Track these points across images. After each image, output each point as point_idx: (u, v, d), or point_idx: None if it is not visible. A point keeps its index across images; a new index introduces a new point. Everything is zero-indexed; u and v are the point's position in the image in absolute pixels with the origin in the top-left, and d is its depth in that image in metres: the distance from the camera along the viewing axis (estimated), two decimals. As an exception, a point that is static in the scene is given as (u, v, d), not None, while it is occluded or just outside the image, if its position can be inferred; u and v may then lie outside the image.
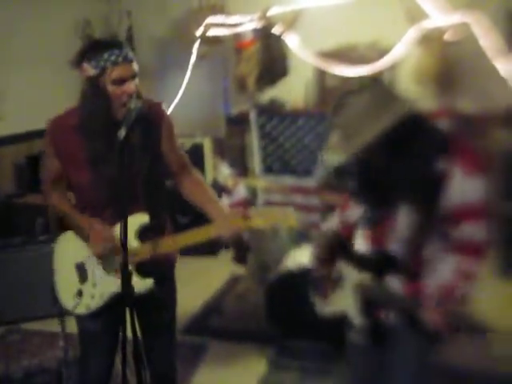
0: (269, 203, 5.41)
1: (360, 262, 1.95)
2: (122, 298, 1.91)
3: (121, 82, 1.92)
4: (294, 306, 3.32)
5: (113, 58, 1.90)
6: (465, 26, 4.41)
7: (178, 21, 5.61)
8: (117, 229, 1.98)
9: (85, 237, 2.10)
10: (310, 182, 4.90)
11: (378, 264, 1.87)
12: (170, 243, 2.09)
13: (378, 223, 1.87)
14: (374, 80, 1.75)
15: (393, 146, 1.66)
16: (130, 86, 1.94)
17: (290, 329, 3.41)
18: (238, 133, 5.61)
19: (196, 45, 5.35)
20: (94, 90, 1.95)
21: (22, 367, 3.42)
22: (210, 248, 5.10)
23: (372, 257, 1.91)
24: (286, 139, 5.32)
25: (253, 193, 5.23)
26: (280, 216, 1.99)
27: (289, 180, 5.32)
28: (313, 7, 4.93)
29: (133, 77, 1.96)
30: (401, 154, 1.67)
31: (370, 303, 1.90)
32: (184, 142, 5.19)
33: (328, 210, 4.21)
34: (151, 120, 2.08)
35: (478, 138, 4.58)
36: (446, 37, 4.51)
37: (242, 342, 3.65)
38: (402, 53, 4.71)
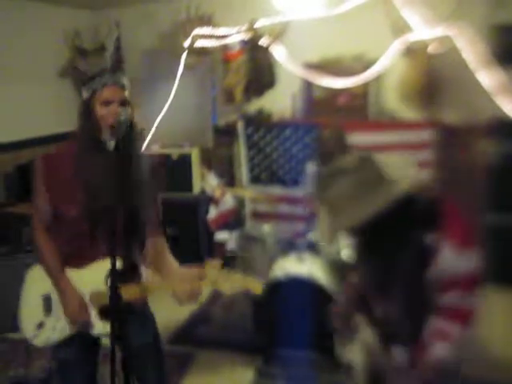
0: (256, 213, 5.44)
1: (376, 323, 1.98)
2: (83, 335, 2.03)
3: (108, 103, 1.96)
4: (281, 315, 3.34)
5: (103, 80, 1.98)
6: (448, 38, 4.50)
7: (166, 32, 5.64)
8: (91, 271, 2.04)
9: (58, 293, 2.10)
10: (297, 192, 4.94)
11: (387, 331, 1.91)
12: (133, 291, 2.05)
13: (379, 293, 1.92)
14: (365, 159, 1.73)
15: (381, 227, 1.67)
16: (116, 109, 1.96)
17: (276, 337, 3.43)
18: (226, 143, 5.64)
19: (184, 56, 5.40)
20: (84, 113, 2.01)
21: (9, 377, 3.40)
22: (197, 257, 5.12)
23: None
24: (273, 149, 5.36)
25: (240, 203, 5.26)
26: (245, 283, 1.96)
27: (276, 190, 5.35)
28: (299, 19, 5.00)
29: (122, 102, 1.98)
30: (389, 234, 1.71)
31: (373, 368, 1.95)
32: (172, 153, 5.22)
33: (315, 219, 4.25)
34: (151, 169, 2.15)
35: (462, 149, 4.66)
36: (430, 49, 4.58)
37: (228, 351, 3.66)
38: (387, 65, 4.79)
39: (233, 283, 1.96)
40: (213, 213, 4.83)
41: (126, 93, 2.02)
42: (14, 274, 3.87)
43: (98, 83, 1.98)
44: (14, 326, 3.83)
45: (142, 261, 2.18)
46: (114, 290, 1.78)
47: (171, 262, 2.18)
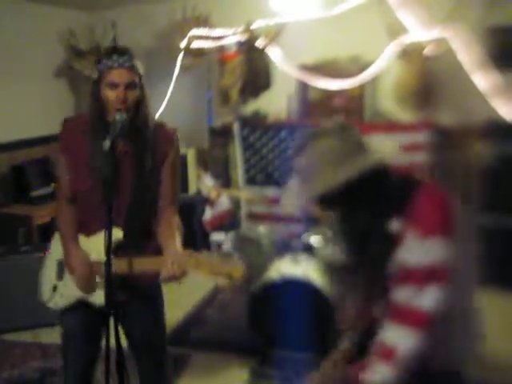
0: (252, 214, 5.44)
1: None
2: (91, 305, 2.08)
3: (113, 86, 1.96)
4: (277, 316, 3.35)
5: (109, 62, 1.96)
6: (444, 40, 4.52)
7: (162, 32, 5.65)
8: (97, 240, 2.05)
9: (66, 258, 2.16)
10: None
11: None
12: (124, 264, 2.05)
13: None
14: (347, 126, 1.66)
15: (351, 197, 1.60)
16: (122, 92, 1.96)
17: (272, 339, 3.43)
18: (222, 144, 5.64)
19: (180, 56, 5.40)
20: (93, 93, 2.03)
21: (3, 379, 3.39)
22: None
23: None
24: (268, 151, 5.36)
25: (236, 204, 5.26)
26: (229, 267, 1.95)
27: (271, 191, 5.36)
28: (295, 21, 5.00)
29: (128, 84, 1.98)
30: (357, 206, 1.63)
31: None
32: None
33: (311, 220, 4.26)
34: (158, 143, 2.12)
35: (457, 151, 4.67)
36: (426, 51, 4.60)
37: (224, 352, 3.66)
38: (383, 67, 4.80)
39: (213, 267, 1.95)
40: (208, 214, 4.84)
41: (134, 75, 2.00)
42: (9, 274, 3.90)
43: (104, 65, 1.97)
44: (11, 327, 3.88)
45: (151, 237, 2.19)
46: (107, 261, 1.84)
47: (174, 241, 2.11)
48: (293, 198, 2.04)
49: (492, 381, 3.06)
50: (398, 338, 1.56)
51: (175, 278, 1.96)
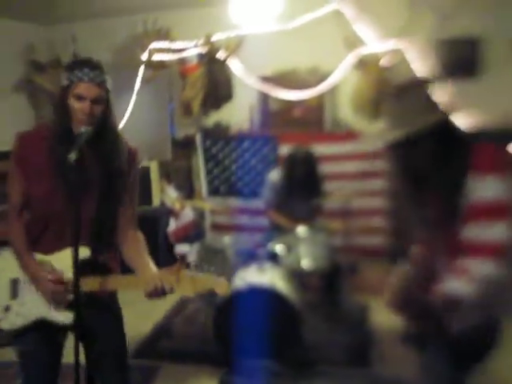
0: (216, 225, 5.48)
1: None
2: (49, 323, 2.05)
3: (80, 98, 1.98)
4: (242, 325, 3.38)
5: (80, 74, 1.97)
6: (399, 51, 4.67)
7: (122, 46, 5.65)
8: (58, 257, 2.06)
9: (29, 276, 2.11)
10: (256, 204, 5.01)
11: None
12: (96, 284, 2.04)
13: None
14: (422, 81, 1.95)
15: (435, 141, 1.82)
16: (87, 106, 1.98)
17: (238, 348, 3.46)
18: (184, 156, 5.67)
19: (141, 69, 5.41)
20: (60, 100, 2.03)
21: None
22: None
23: None
24: (231, 162, 5.42)
25: (200, 215, 5.29)
26: (209, 283, 1.96)
27: (235, 202, 5.41)
28: (255, 33, 5.09)
29: (95, 99, 2.00)
30: (438, 151, 1.82)
31: None
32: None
33: (274, 229, 4.33)
34: (122, 158, 2.13)
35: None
36: (382, 62, 4.74)
37: (192, 363, 3.67)
38: (341, 78, 4.92)
39: (196, 284, 1.96)
40: (173, 225, 4.86)
41: (102, 91, 2.02)
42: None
43: (75, 76, 1.98)
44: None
45: (116, 252, 2.19)
46: (75, 280, 1.82)
47: (146, 258, 2.12)
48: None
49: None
50: (477, 269, 1.69)
51: (163, 294, 1.98)
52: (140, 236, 2.23)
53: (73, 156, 1.82)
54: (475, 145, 1.80)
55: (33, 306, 2.11)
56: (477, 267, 1.69)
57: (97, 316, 2.16)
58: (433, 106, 1.86)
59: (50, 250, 2.09)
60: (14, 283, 2.16)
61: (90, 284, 1.99)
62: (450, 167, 1.80)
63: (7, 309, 2.14)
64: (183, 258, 4.58)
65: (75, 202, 1.86)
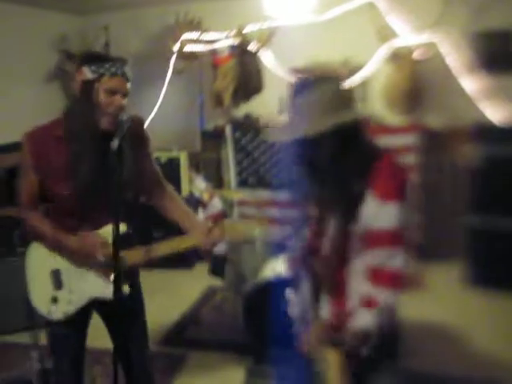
0: (244, 216, 5.48)
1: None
2: (96, 302, 2.13)
3: (112, 92, 1.99)
4: (271, 314, 3.38)
5: (113, 69, 1.98)
6: (433, 45, 4.61)
7: (154, 36, 5.69)
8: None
9: (68, 254, 2.13)
10: (285, 196, 4.99)
11: None
12: (139, 255, 2.10)
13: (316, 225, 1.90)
14: (332, 77, 1.77)
15: (336, 144, 1.66)
16: (120, 100, 2.01)
17: (267, 337, 3.47)
18: (214, 147, 5.69)
19: (172, 60, 5.44)
20: (85, 94, 2.01)
21: (0, 380, 3.40)
22: (185, 261, 5.15)
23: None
24: (260, 153, 5.41)
25: (228, 206, 5.30)
26: (255, 225, 2.06)
27: (263, 193, 5.40)
28: (287, 25, 5.07)
29: (124, 94, 2.03)
30: (339, 155, 1.67)
31: None
32: (160, 156, 5.25)
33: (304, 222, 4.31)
34: (134, 134, 2.13)
35: (446, 153, 4.76)
36: (415, 55, 4.69)
37: (219, 352, 3.69)
38: (373, 70, 4.88)
39: (239, 230, 2.11)
40: (201, 216, 4.88)
41: (129, 85, 2.05)
42: (6, 276, 3.91)
43: (106, 69, 1.97)
44: (8, 329, 3.88)
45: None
46: (115, 253, 1.83)
47: (191, 212, 2.28)
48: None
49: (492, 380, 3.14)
50: (379, 296, 1.66)
51: (214, 244, 2.11)
52: (172, 190, 2.38)
53: (115, 143, 1.83)
54: (377, 163, 1.65)
55: (83, 290, 2.16)
56: (381, 296, 1.65)
57: (129, 296, 2.18)
58: (341, 106, 1.67)
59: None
60: (56, 274, 2.18)
61: (134, 256, 2.05)
62: (348, 181, 1.67)
63: (55, 300, 2.16)
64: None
65: (118, 188, 1.87)
